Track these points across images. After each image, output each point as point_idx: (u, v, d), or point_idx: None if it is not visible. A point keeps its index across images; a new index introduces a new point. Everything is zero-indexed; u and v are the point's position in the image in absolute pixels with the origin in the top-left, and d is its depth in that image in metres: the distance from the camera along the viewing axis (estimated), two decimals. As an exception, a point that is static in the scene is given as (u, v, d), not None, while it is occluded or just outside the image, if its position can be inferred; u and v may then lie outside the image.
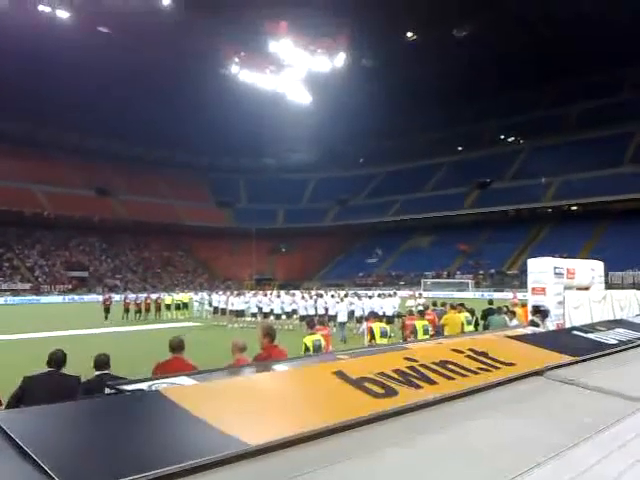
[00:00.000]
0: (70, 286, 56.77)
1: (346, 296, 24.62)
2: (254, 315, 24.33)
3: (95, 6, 49.11)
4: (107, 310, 27.81)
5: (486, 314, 14.06)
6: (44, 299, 51.01)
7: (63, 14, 50.38)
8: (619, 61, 56.24)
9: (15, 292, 51.92)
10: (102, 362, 5.37)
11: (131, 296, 32.12)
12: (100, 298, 35.62)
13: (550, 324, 7.14)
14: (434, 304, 16.35)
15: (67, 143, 70.08)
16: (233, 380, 2.56)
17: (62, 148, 68.99)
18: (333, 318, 21.24)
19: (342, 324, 19.49)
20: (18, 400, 4.78)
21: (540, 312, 10.29)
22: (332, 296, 24.20)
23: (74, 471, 1.30)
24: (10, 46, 49.48)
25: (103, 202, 68.36)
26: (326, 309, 21.52)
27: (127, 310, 28.56)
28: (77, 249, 64.02)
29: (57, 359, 5.11)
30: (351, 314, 21.53)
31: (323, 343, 8.69)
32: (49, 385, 4.85)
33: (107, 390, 2.42)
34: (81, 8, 49.79)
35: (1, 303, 46.99)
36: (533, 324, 10.68)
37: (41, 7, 49.30)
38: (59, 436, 1.58)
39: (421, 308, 14.83)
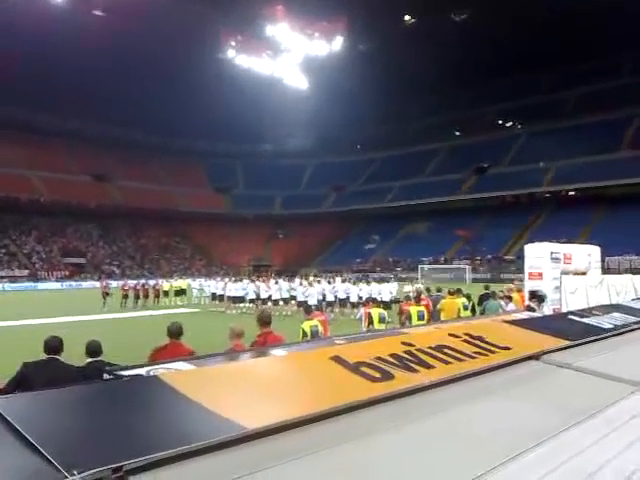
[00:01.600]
0: (67, 272, 56.77)
1: (344, 281, 24.72)
2: (252, 301, 24.38)
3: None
4: (105, 296, 27.78)
5: (482, 299, 14.12)
6: (41, 285, 51.03)
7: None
8: (617, 46, 55.92)
9: (12, 279, 51.90)
10: (94, 349, 5.36)
11: (130, 282, 32.13)
12: (98, 284, 35.66)
13: (547, 309, 7.18)
14: (427, 289, 16.39)
15: (64, 129, 69.64)
16: (231, 365, 2.57)
17: (59, 134, 68.58)
18: (330, 304, 21.39)
19: (310, 306, 19.93)
20: (17, 385, 4.78)
21: (536, 297, 10.44)
22: (328, 282, 24.32)
23: (73, 456, 1.30)
24: (6, 31, 48.98)
25: (100, 188, 68.11)
26: (323, 295, 21.60)
27: (126, 296, 28.51)
28: (74, 235, 63.92)
29: (53, 345, 5.10)
30: (347, 299, 21.66)
31: (321, 329, 8.72)
32: (48, 372, 4.84)
33: (105, 376, 2.43)
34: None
35: (-1, 289, 47.02)
36: (530, 309, 10.77)
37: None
38: (58, 421, 1.59)
39: (411, 294, 14.91)
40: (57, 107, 65.21)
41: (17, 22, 48.40)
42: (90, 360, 5.29)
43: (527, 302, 11.61)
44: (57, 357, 5.09)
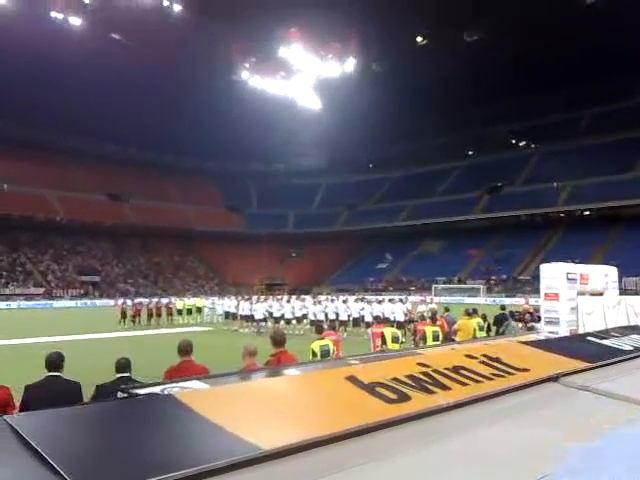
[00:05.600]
0: (82, 290, 57.19)
1: (358, 300, 24.63)
2: (264, 320, 24.38)
3: (107, 13, 49.62)
4: (123, 315, 27.97)
5: (498, 319, 13.99)
6: (56, 303, 51.39)
7: (75, 21, 50.93)
8: (632, 65, 55.84)
9: (28, 297, 52.36)
10: (122, 365, 5.43)
11: (144, 300, 32.28)
12: (112, 302, 35.82)
13: (563, 330, 7.09)
14: (446, 309, 16.26)
15: (79, 149, 70.68)
16: (246, 384, 2.56)
17: (74, 154, 69.59)
18: (344, 323, 21.32)
19: (258, 321, 23.60)
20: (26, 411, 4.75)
21: (534, 317, 11.32)
22: (340, 301, 24.25)
23: (88, 474, 1.30)
24: (23, 53, 50.19)
25: (115, 207, 68.85)
26: (336, 314, 21.53)
27: (138, 315, 28.65)
28: (89, 254, 64.50)
29: (53, 362, 5.10)
30: (361, 319, 21.58)
31: (332, 348, 8.63)
32: (50, 392, 4.84)
33: (120, 394, 2.43)
34: (93, 15, 50.33)
35: (14, 307, 47.43)
36: (533, 329, 11.06)
37: (54, 14, 49.89)
38: (73, 439, 1.59)
39: (425, 314, 14.86)
40: (73, 127, 66.36)
41: (35, 45, 49.49)
42: (118, 376, 5.35)
43: (530, 324, 11.87)
44: (58, 374, 5.09)
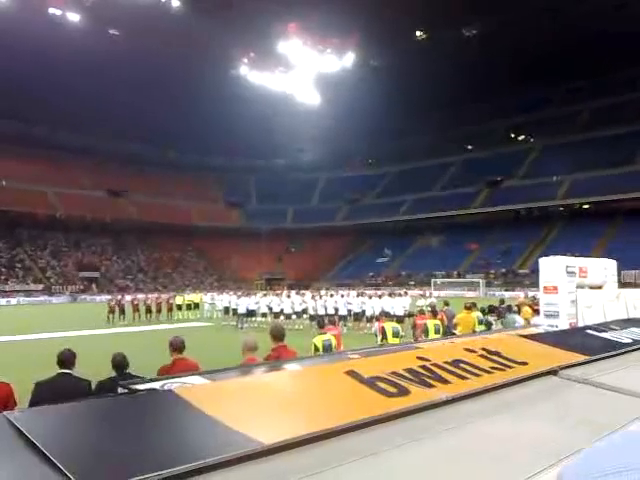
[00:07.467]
0: (81, 286, 57.21)
1: (358, 295, 24.67)
2: (264, 315, 24.44)
3: (105, 9, 49.45)
4: (122, 311, 28.02)
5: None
6: (55, 299, 51.43)
7: (74, 17, 50.78)
8: (632, 59, 55.69)
9: (27, 293, 52.37)
10: (120, 361, 5.38)
11: (140, 296, 32.33)
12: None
13: (563, 323, 7.10)
14: (446, 303, 16.29)
15: (79, 145, 70.64)
16: (245, 379, 2.56)
17: (74, 150, 69.57)
18: (343, 318, 21.36)
19: (241, 315, 23.96)
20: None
21: (494, 311, 11.82)
22: (342, 296, 24.27)
23: (88, 469, 1.30)
24: (22, 49, 50.06)
25: (115, 203, 68.83)
26: (336, 309, 21.56)
27: (136, 310, 28.73)
28: (88, 250, 64.50)
29: (65, 359, 5.11)
30: (362, 313, 21.62)
31: (334, 343, 8.68)
32: (60, 389, 4.84)
33: (120, 389, 2.43)
34: (91, 11, 50.16)
35: (14, 303, 47.45)
36: (488, 323, 11.38)
37: (52, 10, 49.73)
38: (73, 435, 1.59)
39: (425, 308, 14.89)
40: (73, 124, 66.30)
41: (34, 41, 49.38)
42: (116, 372, 5.31)
43: (485, 316, 12.20)
44: (69, 372, 5.09)
